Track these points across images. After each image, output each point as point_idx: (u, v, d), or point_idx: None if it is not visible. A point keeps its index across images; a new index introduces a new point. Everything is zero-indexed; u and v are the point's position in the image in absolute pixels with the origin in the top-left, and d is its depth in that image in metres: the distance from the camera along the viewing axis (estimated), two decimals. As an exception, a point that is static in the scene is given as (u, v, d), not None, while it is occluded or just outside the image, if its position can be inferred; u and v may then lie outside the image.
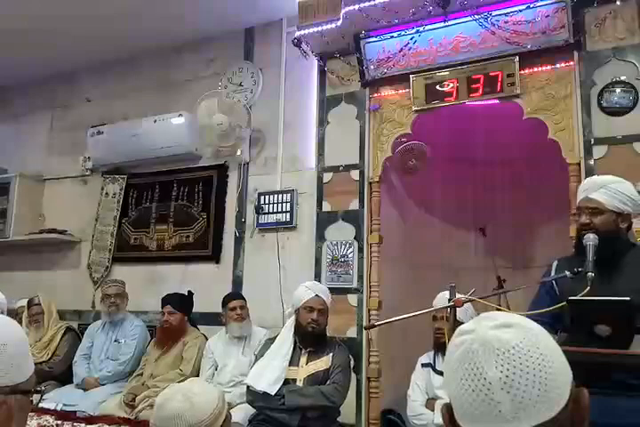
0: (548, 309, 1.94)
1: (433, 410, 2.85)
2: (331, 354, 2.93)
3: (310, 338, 2.95)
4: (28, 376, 1.06)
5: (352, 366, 3.08)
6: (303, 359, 2.93)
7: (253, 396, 2.86)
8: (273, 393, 2.77)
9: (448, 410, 0.78)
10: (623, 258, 2.04)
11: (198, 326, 3.82)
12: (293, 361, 2.91)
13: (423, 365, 3.02)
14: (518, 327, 0.74)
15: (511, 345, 0.71)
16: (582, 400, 0.74)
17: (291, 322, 3.02)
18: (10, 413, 1.01)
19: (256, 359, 3.02)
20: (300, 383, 2.85)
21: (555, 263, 2.23)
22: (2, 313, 2.07)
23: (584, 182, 2.17)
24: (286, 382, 2.84)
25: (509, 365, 0.70)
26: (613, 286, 1.95)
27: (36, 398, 1.09)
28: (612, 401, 1.70)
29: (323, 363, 2.90)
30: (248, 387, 2.88)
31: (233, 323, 3.44)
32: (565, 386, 0.72)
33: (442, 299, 2.66)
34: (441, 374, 2.88)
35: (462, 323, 2.58)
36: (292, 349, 2.94)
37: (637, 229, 2.52)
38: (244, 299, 3.55)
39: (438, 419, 2.75)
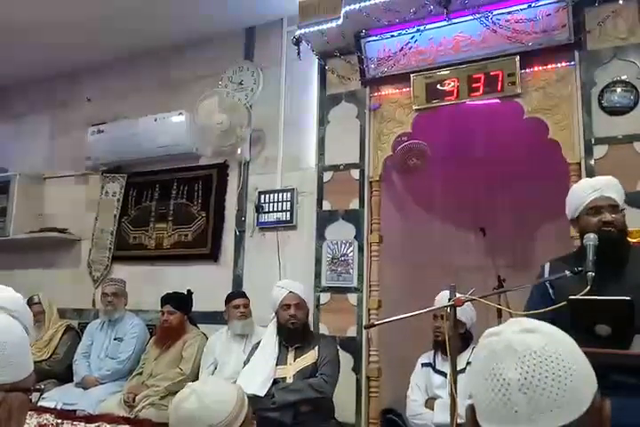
0: (548, 308, 1.94)
1: (432, 409, 2.85)
2: (317, 347, 2.95)
3: (294, 335, 2.97)
4: (27, 374, 1.06)
5: (339, 356, 3.05)
6: (290, 357, 2.94)
7: None
8: (262, 394, 2.78)
9: (472, 410, 0.79)
10: (624, 256, 2.08)
11: (198, 325, 3.83)
12: (281, 360, 2.92)
13: (423, 365, 3.02)
14: (543, 333, 0.76)
15: (533, 349, 0.74)
16: (604, 410, 0.76)
17: (273, 323, 3.04)
18: (9, 410, 1.01)
19: (244, 365, 3.02)
20: (289, 381, 2.86)
21: (547, 265, 2.24)
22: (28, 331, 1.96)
23: (592, 182, 2.17)
24: (276, 381, 2.85)
25: (529, 368, 0.72)
26: (621, 283, 1.96)
27: (35, 396, 1.09)
28: (611, 401, 1.70)
29: (310, 357, 2.92)
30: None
31: (236, 321, 3.45)
32: (586, 394, 0.74)
33: (444, 298, 2.65)
34: (440, 373, 2.88)
35: (461, 322, 2.58)
36: (277, 349, 2.95)
37: (632, 230, 2.52)
38: (247, 298, 3.56)
39: (437, 418, 2.75)
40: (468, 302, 2.56)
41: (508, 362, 0.74)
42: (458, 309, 2.64)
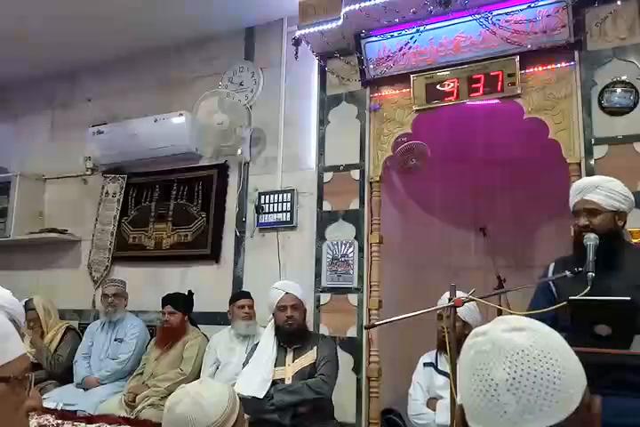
0: (548, 308, 1.94)
1: (434, 410, 2.84)
2: (315, 348, 2.94)
3: (291, 336, 2.96)
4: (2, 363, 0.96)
5: (338, 356, 3.04)
6: (289, 358, 2.93)
7: (243, 402, 2.85)
8: (262, 396, 2.77)
9: (461, 411, 0.78)
10: (620, 256, 2.06)
11: (199, 326, 3.83)
12: (280, 361, 2.92)
13: (425, 364, 2.99)
14: (530, 331, 0.75)
15: (520, 348, 0.72)
16: (594, 407, 0.74)
17: (270, 325, 3.04)
18: None
19: (243, 366, 3.02)
20: (288, 382, 2.85)
21: (552, 265, 2.24)
22: (18, 324, 1.85)
23: (576, 185, 2.16)
24: (275, 382, 2.84)
25: (517, 367, 0.71)
26: (609, 284, 1.96)
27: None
28: (611, 401, 1.69)
29: (308, 358, 2.91)
30: (237, 395, 2.87)
31: (240, 321, 3.47)
32: (576, 392, 0.72)
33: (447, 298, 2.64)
34: (443, 373, 2.87)
35: (466, 322, 2.56)
36: (275, 350, 2.95)
37: (633, 230, 2.51)
38: (252, 299, 3.57)
39: (440, 419, 2.73)
40: (473, 303, 2.55)
41: (495, 362, 0.72)
42: (463, 310, 2.65)
